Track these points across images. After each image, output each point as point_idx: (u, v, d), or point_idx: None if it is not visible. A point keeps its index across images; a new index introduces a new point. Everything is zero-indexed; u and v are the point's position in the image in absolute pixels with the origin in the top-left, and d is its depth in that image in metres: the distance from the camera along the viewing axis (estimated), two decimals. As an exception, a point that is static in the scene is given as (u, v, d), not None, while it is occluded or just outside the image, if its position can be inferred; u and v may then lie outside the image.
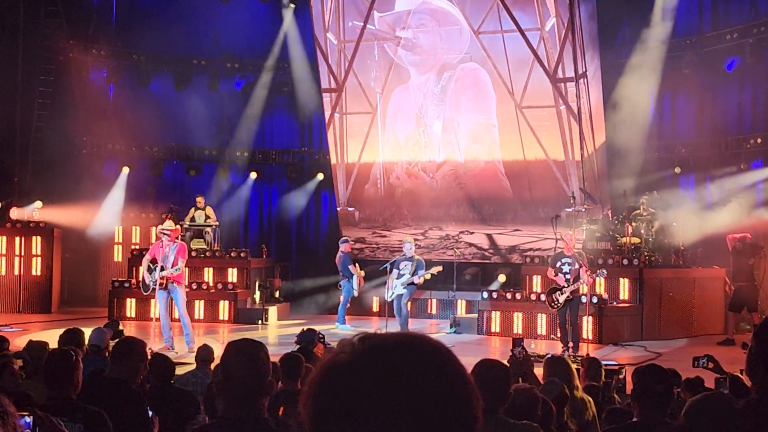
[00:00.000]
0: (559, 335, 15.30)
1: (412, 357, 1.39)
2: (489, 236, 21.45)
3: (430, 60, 21.13)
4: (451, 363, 1.42)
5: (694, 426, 3.08)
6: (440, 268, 16.83)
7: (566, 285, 14.47)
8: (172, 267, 14.08)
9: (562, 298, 14.48)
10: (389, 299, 16.47)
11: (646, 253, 17.56)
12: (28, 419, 3.66)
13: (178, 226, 15.57)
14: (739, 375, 6.26)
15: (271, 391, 3.69)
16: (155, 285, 14.14)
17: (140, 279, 15.30)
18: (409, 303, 17.00)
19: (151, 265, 14.32)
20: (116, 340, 7.21)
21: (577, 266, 14.39)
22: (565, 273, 14.54)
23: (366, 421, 1.34)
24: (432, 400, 1.35)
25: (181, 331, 14.54)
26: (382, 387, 1.35)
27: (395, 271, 16.27)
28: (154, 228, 21.47)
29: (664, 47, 20.07)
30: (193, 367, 8.97)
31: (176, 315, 14.79)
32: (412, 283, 16.32)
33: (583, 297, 15.00)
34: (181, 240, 15.14)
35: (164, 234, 14.42)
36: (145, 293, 14.96)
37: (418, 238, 20.69)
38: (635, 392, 4.67)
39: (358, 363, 1.39)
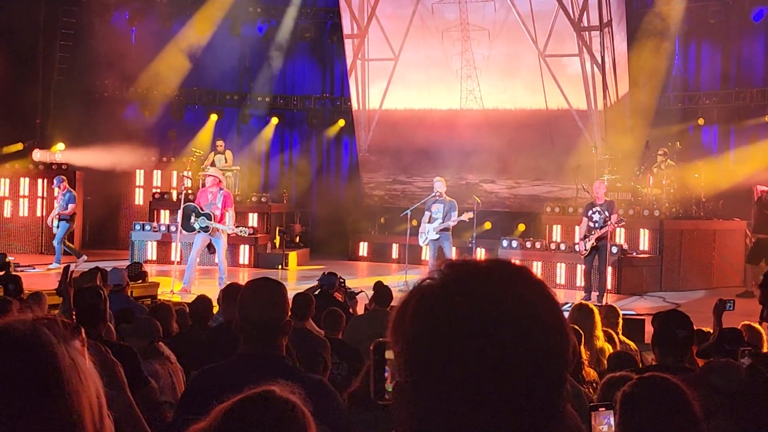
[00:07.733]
0: (583, 284, 15.28)
1: (504, 282, 1.38)
2: (509, 186, 21.41)
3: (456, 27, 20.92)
4: (541, 289, 1.41)
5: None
6: (471, 215, 15.92)
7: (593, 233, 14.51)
8: (220, 220, 14.31)
9: (588, 245, 14.54)
10: (423, 244, 16.21)
11: (666, 204, 17.51)
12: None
13: (220, 175, 15.55)
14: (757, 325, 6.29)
15: (288, 331, 3.68)
16: (199, 229, 14.32)
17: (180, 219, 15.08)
18: (453, 250, 16.42)
19: (199, 210, 14.41)
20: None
21: (607, 214, 14.40)
22: (596, 221, 14.54)
23: (459, 348, 1.33)
24: (526, 327, 1.34)
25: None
26: (475, 312, 1.34)
27: (427, 213, 15.90)
28: (175, 172, 21.58)
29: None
30: None
31: (216, 260, 15.19)
32: (446, 229, 15.74)
33: (614, 247, 14.98)
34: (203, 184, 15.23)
35: (207, 176, 14.75)
36: (188, 233, 14.91)
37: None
38: (656, 337, 4.69)
39: (449, 289, 1.37)
